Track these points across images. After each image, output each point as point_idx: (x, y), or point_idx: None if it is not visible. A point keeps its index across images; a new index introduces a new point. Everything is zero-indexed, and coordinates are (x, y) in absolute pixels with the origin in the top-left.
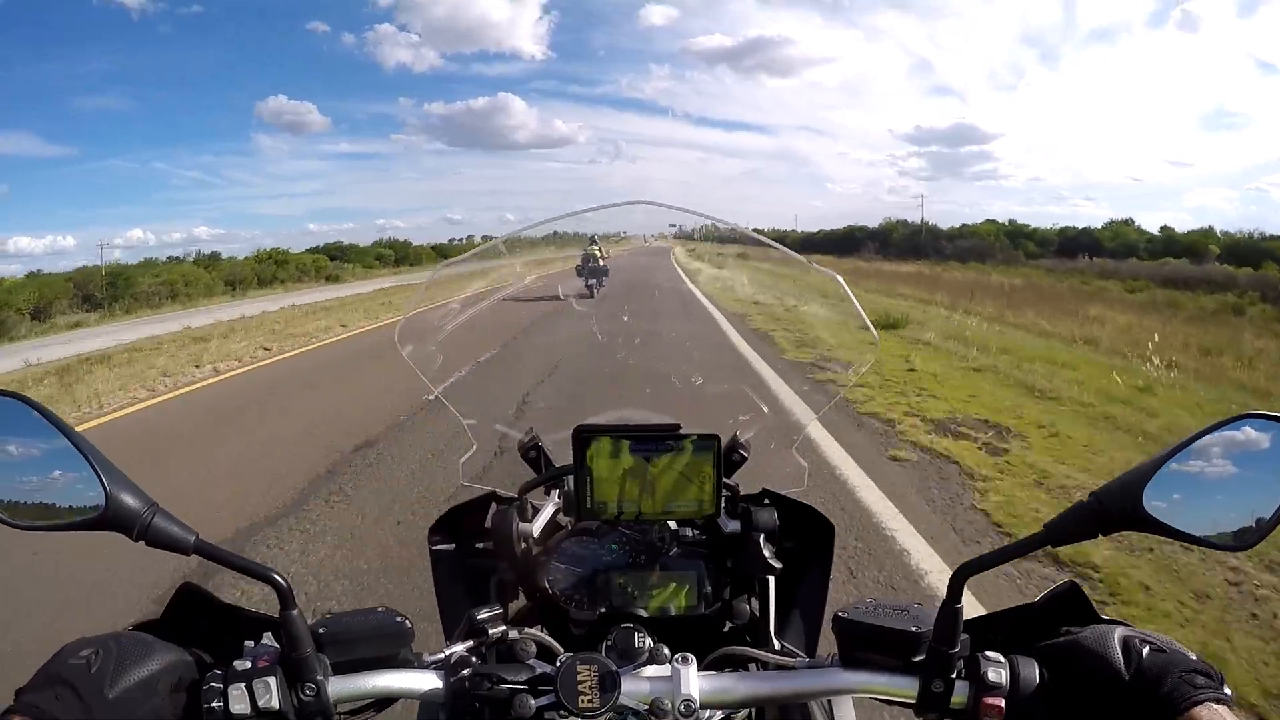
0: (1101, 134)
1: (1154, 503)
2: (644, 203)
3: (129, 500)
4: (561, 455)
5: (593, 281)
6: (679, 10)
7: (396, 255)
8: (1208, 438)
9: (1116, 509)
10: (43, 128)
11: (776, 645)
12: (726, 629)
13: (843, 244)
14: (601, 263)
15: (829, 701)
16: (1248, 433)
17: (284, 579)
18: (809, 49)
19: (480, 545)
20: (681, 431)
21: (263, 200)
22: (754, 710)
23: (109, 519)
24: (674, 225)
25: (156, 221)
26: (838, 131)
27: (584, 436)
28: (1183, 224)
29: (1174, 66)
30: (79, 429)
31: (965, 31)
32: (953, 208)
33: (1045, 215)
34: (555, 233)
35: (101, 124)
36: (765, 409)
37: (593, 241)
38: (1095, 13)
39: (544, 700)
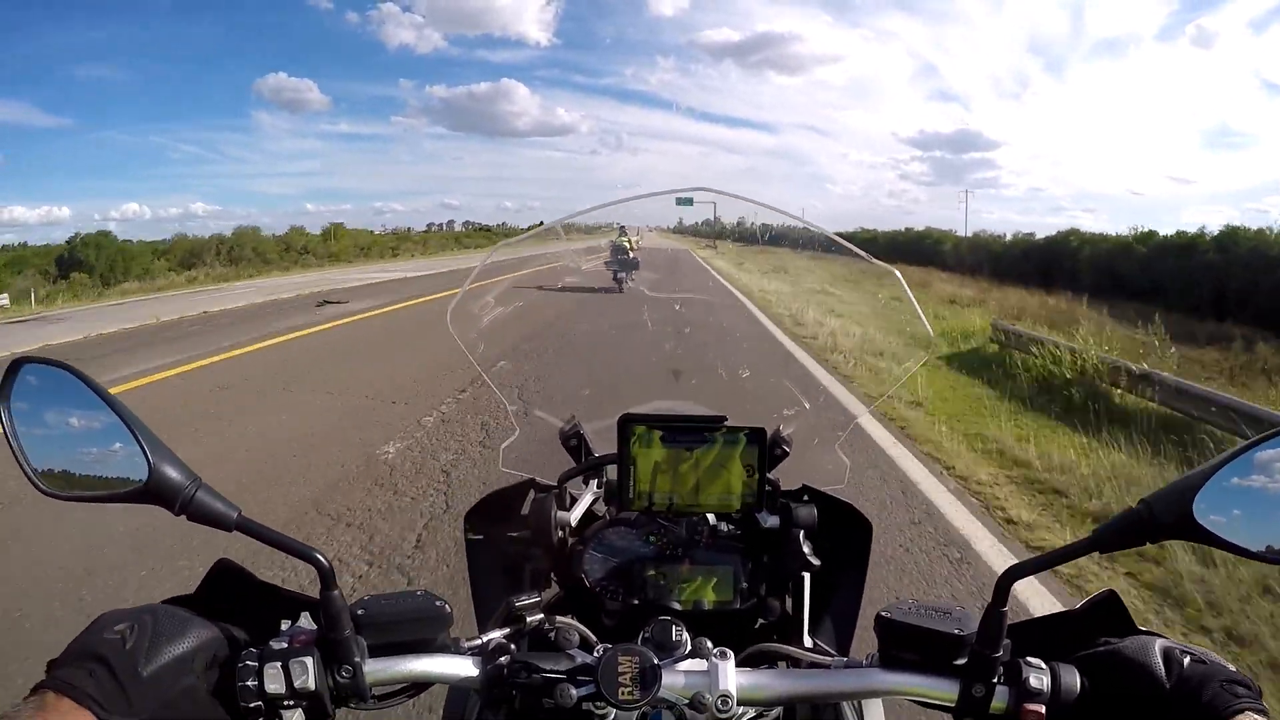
0: (1104, 146)
1: (1204, 512)
2: (712, 190)
3: (172, 474)
4: (602, 444)
5: (621, 274)
6: (688, 1)
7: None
8: (1259, 450)
9: (1165, 517)
10: (40, 97)
11: (809, 643)
12: (758, 625)
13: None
14: (631, 254)
15: (859, 702)
16: None
17: (325, 559)
18: (816, 47)
19: (516, 533)
20: (727, 424)
21: (260, 178)
22: (784, 708)
23: (151, 492)
24: (682, 205)
25: (152, 196)
26: (840, 132)
27: (629, 426)
28: None
29: (1181, 82)
30: None
31: (972, 37)
32: (948, 212)
33: (1043, 226)
34: (538, 224)
35: (99, 95)
36: (808, 405)
37: (622, 232)
38: (1104, 24)
39: (583, 691)
